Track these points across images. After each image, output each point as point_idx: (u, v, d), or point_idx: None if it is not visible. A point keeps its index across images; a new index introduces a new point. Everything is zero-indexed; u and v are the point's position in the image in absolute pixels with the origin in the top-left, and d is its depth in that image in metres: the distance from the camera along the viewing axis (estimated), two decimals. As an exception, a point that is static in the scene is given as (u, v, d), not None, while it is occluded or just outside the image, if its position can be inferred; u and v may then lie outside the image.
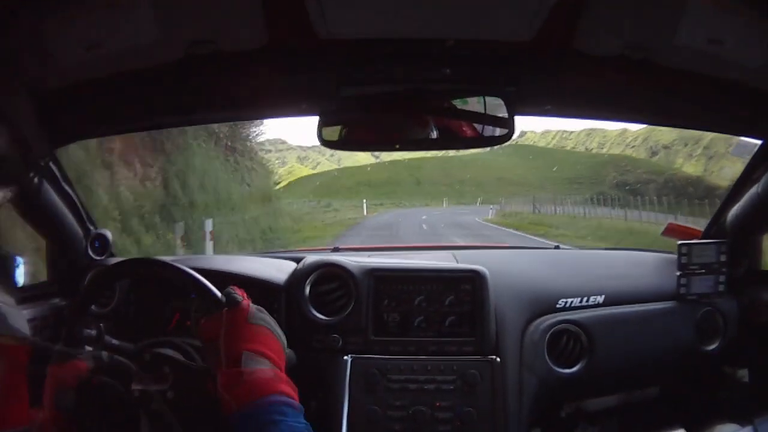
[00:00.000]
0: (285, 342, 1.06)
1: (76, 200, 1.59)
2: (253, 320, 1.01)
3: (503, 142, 1.22)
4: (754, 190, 1.47)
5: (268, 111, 1.38)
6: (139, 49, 1.01)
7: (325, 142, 1.24)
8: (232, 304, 1.02)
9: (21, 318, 0.84)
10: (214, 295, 1.05)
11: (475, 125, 1.22)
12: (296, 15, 0.95)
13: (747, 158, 1.49)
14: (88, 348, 1.13)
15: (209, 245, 8.53)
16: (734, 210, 1.56)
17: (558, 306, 1.56)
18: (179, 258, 1.55)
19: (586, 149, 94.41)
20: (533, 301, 1.55)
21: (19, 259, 1.61)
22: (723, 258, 1.59)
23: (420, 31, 1.05)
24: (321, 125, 1.22)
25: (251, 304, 1.05)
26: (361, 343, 1.48)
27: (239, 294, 1.05)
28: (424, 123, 1.23)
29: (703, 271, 1.59)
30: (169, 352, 1.13)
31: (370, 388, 1.42)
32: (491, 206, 38.80)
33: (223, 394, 0.92)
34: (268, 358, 0.98)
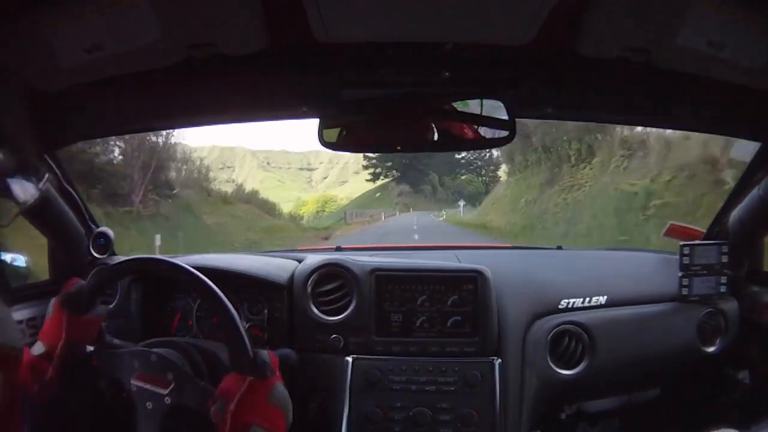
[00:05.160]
0: (290, 423, 1.05)
1: (78, 199, 1.60)
2: (273, 400, 1.00)
3: (504, 144, 1.22)
4: (755, 192, 1.47)
5: (269, 114, 1.38)
6: (140, 52, 1.01)
7: (326, 144, 1.24)
8: (260, 376, 1.00)
9: (14, 325, 0.84)
10: (246, 356, 1.02)
11: (477, 128, 1.22)
12: (296, 18, 0.95)
13: (748, 160, 1.49)
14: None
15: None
16: (736, 211, 1.56)
17: (560, 306, 1.56)
18: (182, 258, 1.56)
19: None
20: (535, 302, 1.55)
21: (21, 258, 1.62)
22: (724, 259, 1.59)
23: (419, 35, 1.05)
24: (321, 127, 1.23)
25: (277, 382, 1.03)
26: (362, 343, 1.48)
27: (271, 365, 1.03)
28: (425, 125, 1.23)
29: (705, 272, 1.59)
30: (173, 355, 1.13)
31: (371, 388, 1.43)
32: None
33: None
34: None
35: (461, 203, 44.67)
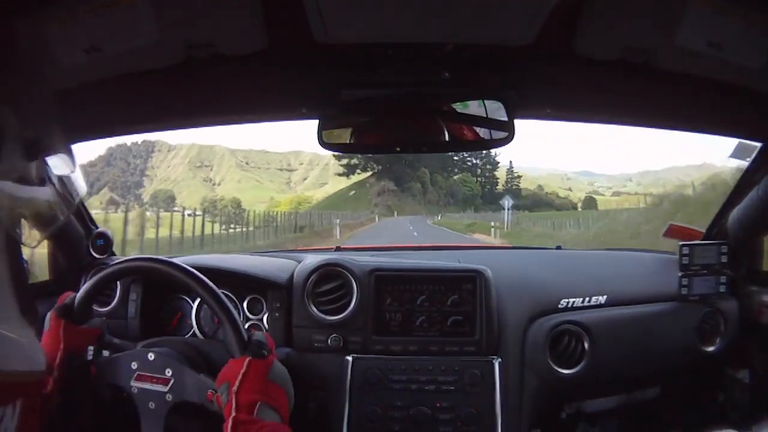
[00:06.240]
0: (293, 401, 1.08)
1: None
2: (272, 376, 1.02)
3: (504, 145, 1.22)
4: (754, 192, 1.47)
5: (268, 115, 1.38)
6: (139, 52, 1.00)
7: (326, 145, 1.24)
8: (258, 356, 1.02)
9: (40, 353, 0.84)
10: (241, 338, 1.04)
11: (476, 128, 1.23)
12: (295, 19, 0.95)
13: (746, 161, 1.49)
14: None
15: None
16: (735, 212, 1.56)
17: (560, 306, 1.56)
18: (181, 258, 1.56)
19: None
20: (535, 301, 1.55)
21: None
22: (724, 259, 1.59)
23: (419, 35, 1.05)
24: (321, 128, 1.23)
25: (275, 360, 1.06)
26: (362, 342, 1.48)
27: (268, 344, 1.05)
28: (425, 126, 1.23)
29: (705, 272, 1.60)
30: (171, 352, 1.14)
31: (371, 388, 1.43)
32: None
33: None
34: (280, 414, 1.00)
35: (507, 203, 31.10)
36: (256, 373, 1.00)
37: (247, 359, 1.01)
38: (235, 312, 1.07)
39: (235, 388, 0.97)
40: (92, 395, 1.11)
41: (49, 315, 1.12)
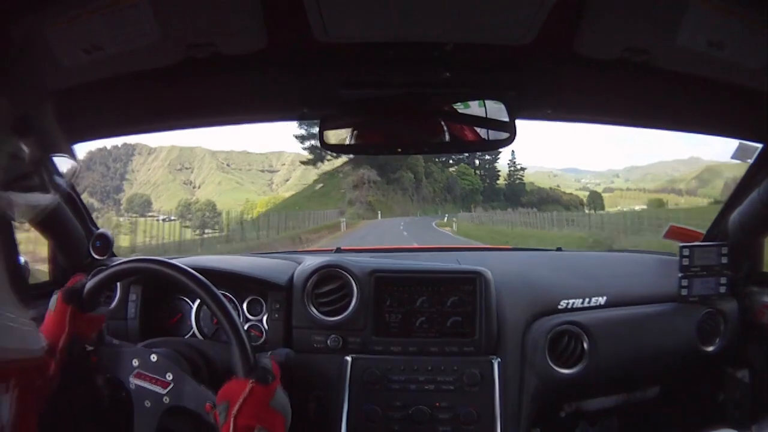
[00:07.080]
0: (288, 427, 1.07)
1: (78, 201, 1.60)
2: (274, 404, 1.02)
3: (505, 146, 1.22)
4: (755, 194, 1.47)
5: (269, 115, 1.38)
6: (139, 52, 1.00)
7: (327, 146, 1.24)
8: (262, 381, 1.01)
9: (39, 339, 0.83)
10: (248, 360, 1.04)
11: (477, 129, 1.22)
12: (295, 19, 0.95)
13: (747, 161, 1.49)
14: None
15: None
16: (735, 213, 1.57)
17: (560, 307, 1.56)
18: (182, 259, 1.55)
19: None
20: (535, 302, 1.55)
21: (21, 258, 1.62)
22: (724, 260, 1.59)
23: (419, 35, 1.05)
24: (322, 129, 1.23)
25: (278, 387, 1.05)
26: (362, 343, 1.48)
27: (273, 371, 1.05)
28: (426, 127, 1.23)
29: (705, 273, 1.60)
30: (174, 356, 1.14)
31: (370, 388, 1.43)
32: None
33: None
34: None
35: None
36: (258, 398, 1.00)
37: (251, 384, 1.00)
38: (243, 331, 1.06)
39: (234, 410, 0.97)
40: (90, 384, 1.11)
41: (55, 296, 1.11)
